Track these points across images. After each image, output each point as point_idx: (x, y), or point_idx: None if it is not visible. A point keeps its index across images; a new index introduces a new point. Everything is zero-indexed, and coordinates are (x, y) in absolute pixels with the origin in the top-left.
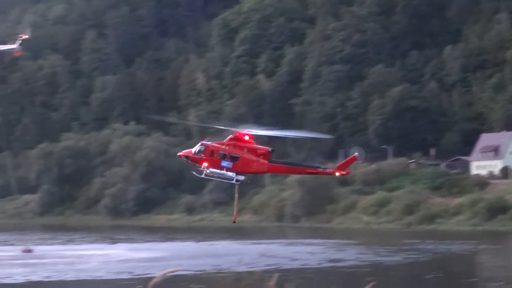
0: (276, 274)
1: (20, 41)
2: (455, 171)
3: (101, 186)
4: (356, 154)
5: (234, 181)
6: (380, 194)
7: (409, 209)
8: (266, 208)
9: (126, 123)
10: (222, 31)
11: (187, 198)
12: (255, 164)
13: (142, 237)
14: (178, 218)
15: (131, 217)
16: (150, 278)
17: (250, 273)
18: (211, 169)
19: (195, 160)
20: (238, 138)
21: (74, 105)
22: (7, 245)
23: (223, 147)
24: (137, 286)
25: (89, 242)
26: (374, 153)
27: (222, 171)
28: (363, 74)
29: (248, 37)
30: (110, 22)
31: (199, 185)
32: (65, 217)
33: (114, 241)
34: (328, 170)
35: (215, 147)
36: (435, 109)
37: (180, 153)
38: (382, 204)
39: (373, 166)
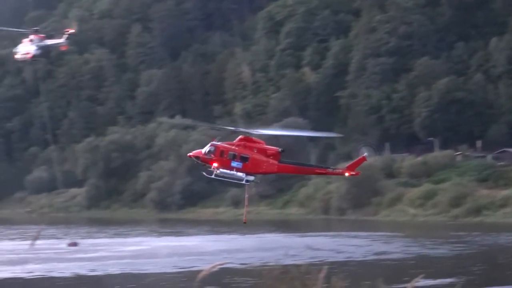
0: (326, 267)
1: (66, 36)
2: (502, 163)
3: (147, 179)
4: (365, 154)
5: (244, 182)
6: (426, 187)
7: (456, 202)
8: (313, 200)
9: (172, 116)
10: (267, 24)
11: (233, 191)
12: (265, 164)
13: (188, 231)
14: (224, 211)
15: (177, 211)
16: (196, 272)
17: (297, 266)
18: (221, 170)
19: (205, 161)
20: (248, 139)
21: (120, 99)
22: (53, 238)
23: (233, 147)
24: (183, 279)
25: (135, 236)
26: (420, 146)
27: (232, 172)
28: (409, 66)
29: (293, 30)
30: (156, 15)
31: None
32: (111, 211)
33: (160, 234)
34: (337, 171)
35: (225, 147)
36: (481, 101)
37: (190, 154)
38: (428, 196)
39: (419, 159)
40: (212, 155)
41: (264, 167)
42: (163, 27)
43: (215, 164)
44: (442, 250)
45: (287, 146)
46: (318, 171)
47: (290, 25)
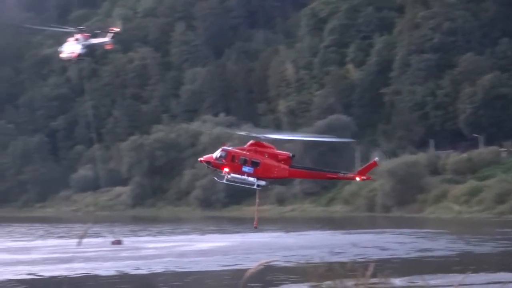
0: (373, 264)
1: (111, 34)
2: None
3: (192, 177)
4: (376, 159)
5: (255, 187)
6: (471, 183)
7: (501, 198)
8: (357, 198)
9: (216, 114)
10: (310, 21)
11: (277, 189)
12: (276, 169)
13: (232, 228)
14: (269, 209)
15: (221, 208)
16: (240, 270)
17: (342, 263)
18: (232, 175)
19: (216, 166)
20: (258, 144)
21: (164, 97)
22: (98, 237)
23: (244, 152)
24: (227, 277)
25: (179, 234)
26: (464, 142)
27: (243, 177)
28: (453, 62)
29: (337, 27)
30: (200, 13)
31: None
32: (156, 209)
33: (203, 232)
34: (348, 175)
35: (236, 152)
36: None
37: (201, 159)
38: (473, 193)
39: (464, 155)
40: (223, 160)
41: (275, 172)
42: (207, 25)
43: (226, 169)
44: (487, 247)
45: (331, 144)
46: (329, 175)
47: (334, 22)
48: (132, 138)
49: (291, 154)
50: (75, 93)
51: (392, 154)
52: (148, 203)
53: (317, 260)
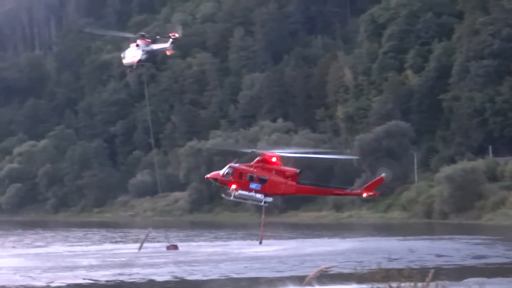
0: (432, 270)
1: (172, 40)
2: None
3: None
4: (383, 175)
5: (262, 203)
6: None
7: None
8: (415, 204)
9: (274, 120)
10: (369, 27)
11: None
12: (283, 186)
13: (288, 234)
14: (326, 215)
15: (279, 214)
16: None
17: (398, 270)
18: (240, 191)
19: (223, 183)
20: (265, 160)
21: (222, 103)
22: (154, 242)
23: (251, 169)
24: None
25: (235, 239)
26: None
27: (250, 193)
28: None
29: (396, 33)
30: (258, 19)
31: (348, 181)
32: (213, 214)
33: (256, 238)
34: (355, 191)
35: (244, 169)
36: None
37: (208, 176)
38: None
39: None
40: (231, 177)
41: (282, 188)
42: (265, 30)
43: (233, 186)
44: None
45: (389, 150)
46: (336, 192)
47: (393, 28)
48: (190, 143)
49: (298, 171)
50: (134, 99)
51: (451, 160)
52: (205, 209)
53: (373, 266)
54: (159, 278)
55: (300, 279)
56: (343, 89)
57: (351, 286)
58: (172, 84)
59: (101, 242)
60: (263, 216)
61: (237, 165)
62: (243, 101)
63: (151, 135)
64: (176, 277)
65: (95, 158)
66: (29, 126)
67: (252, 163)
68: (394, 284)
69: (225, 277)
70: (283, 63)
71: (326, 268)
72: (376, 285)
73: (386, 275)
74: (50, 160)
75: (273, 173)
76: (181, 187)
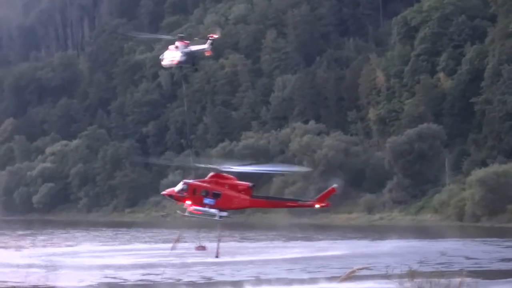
0: (463, 272)
1: (210, 41)
2: None
3: (281, 184)
4: (335, 185)
5: (217, 218)
6: None
7: None
8: (447, 207)
9: (305, 121)
10: (402, 29)
11: (367, 197)
12: (236, 200)
13: (318, 236)
14: (357, 217)
15: (310, 216)
16: (325, 278)
17: (428, 272)
18: (194, 207)
19: (178, 199)
20: (219, 175)
21: (254, 104)
22: (183, 242)
23: (205, 184)
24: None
25: (264, 240)
26: None
27: (205, 208)
28: None
29: (428, 36)
30: (291, 21)
31: (379, 184)
32: (246, 216)
33: (288, 239)
34: (308, 203)
35: (197, 185)
36: None
37: (164, 192)
38: None
39: None
40: (185, 193)
41: (236, 202)
42: (298, 32)
43: (188, 202)
44: None
45: (421, 152)
46: (289, 204)
47: (425, 31)
48: (222, 144)
49: (250, 184)
50: (166, 99)
51: (482, 163)
52: (239, 210)
53: (404, 268)
54: (187, 278)
55: (330, 280)
56: (375, 91)
57: (382, 285)
58: (204, 85)
59: (131, 241)
60: (219, 232)
61: (191, 181)
62: (275, 102)
63: (185, 136)
64: (205, 278)
65: (127, 158)
66: (61, 125)
67: (206, 178)
68: (426, 285)
69: (254, 278)
70: (315, 65)
71: (358, 269)
72: (405, 283)
73: (414, 275)
74: (82, 160)
75: (226, 187)
76: None
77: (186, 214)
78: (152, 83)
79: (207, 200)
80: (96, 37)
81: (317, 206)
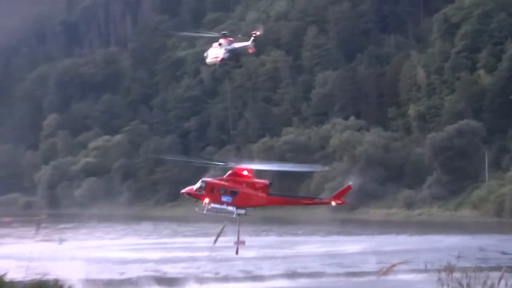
0: (504, 267)
1: (253, 38)
2: None
3: (321, 180)
4: (350, 183)
5: (234, 215)
6: None
7: None
8: (486, 203)
9: (346, 117)
10: (442, 26)
11: (406, 193)
12: (254, 197)
13: (356, 231)
14: (396, 213)
15: (350, 211)
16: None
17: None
18: (212, 205)
19: (196, 197)
20: (236, 173)
21: (295, 100)
22: (223, 236)
23: (223, 182)
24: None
25: (301, 235)
26: None
27: (222, 206)
28: None
29: (469, 32)
30: (331, 17)
31: (418, 179)
32: (285, 210)
33: (326, 234)
34: (324, 200)
35: (215, 183)
36: None
37: (183, 191)
38: None
39: None
40: (203, 191)
41: (253, 200)
42: (339, 29)
43: (206, 200)
44: None
45: (461, 148)
46: (304, 201)
47: (466, 28)
48: (263, 140)
49: (268, 182)
50: (207, 95)
51: None
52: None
53: (442, 263)
54: (225, 272)
55: (369, 274)
56: (416, 87)
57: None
58: (246, 81)
59: (172, 235)
60: (238, 228)
61: (209, 179)
62: (316, 98)
63: (224, 131)
64: (244, 271)
65: (168, 153)
66: (104, 121)
67: (224, 176)
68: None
69: (291, 272)
70: (356, 62)
71: (398, 263)
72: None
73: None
74: (124, 154)
75: (244, 185)
76: None
77: (204, 211)
78: (194, 79)
79: (224, 198)
80: (138, 33)
81: (333, 203)
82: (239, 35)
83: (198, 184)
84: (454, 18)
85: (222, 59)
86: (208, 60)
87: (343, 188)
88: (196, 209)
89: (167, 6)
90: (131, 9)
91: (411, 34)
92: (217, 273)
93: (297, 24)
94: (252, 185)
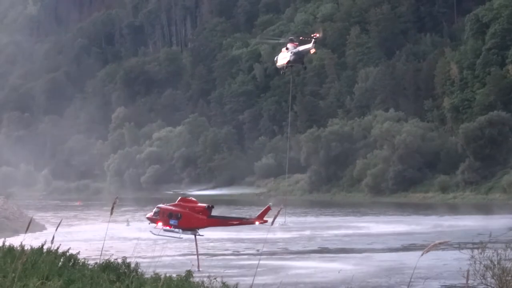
0: None
1: (314, 40)
2: None
3: (363, 166)
4: (270, 204)
5: (179, 237)
6: None
7: None
8: None
9: (386, 110)
10: (474, 25)
11: (441, 178)
12: (195, 220)
13: (394, 212)
14: (432, 196)
15: (390, 195)
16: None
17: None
18: (163, 227)
19: (153, 221)
20: (184, 199)
21: (339, 94)
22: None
23: (170, 207)
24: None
25: (339, 215)
26: None
27: (171, 228)
28: None
29: (498, 31)
30: (373, 19)
31: (452, 166)
32: (330, 195)
33: (363, 215)
34: (250, 220)
35: (165, 208)
36: None
37: (147, 216)
38: None
39: None
40: (158, 216)
41: (194, 222)
42: (379, 29)
43: (159, 224)
44: None
45: (491, 137)
46: (233, 222)
47: (496, 27)
48: (310, 130)
49: (207, 206)
50: (260, 90)
51: None
52: (323, 189)
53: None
54: (281, 251)
55: (412, 250)
56: (450, 82)
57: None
58: (295, 77)
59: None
60: (196, 244)
61: (162, 205)
62: (358, 92)
63: (276, 122)
64: (280, 247)
65: (224, 143)
66: (167, 113)
67: (175, 202)
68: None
69: (340, 248)
70: (395, 58)
71: (440, 243)
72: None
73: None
74: (185, 144)
75: (187, 209)
76: (302, 170)
77: (158, 234)
78: (248, 76)
79: (172, 221)
80: (197, 34)
81: (257, 223)
82: (301, 38)
83: (154, 210)
84: (485, 18)
85: (289, 62)
86: (278, 64)
87: (263, 209)
88: (150, 231)
89: (223, 8)
90: (191, 12)
91: (446, 33)
92: (257, 250)
93: (341, 24)
94: (193, 209)
